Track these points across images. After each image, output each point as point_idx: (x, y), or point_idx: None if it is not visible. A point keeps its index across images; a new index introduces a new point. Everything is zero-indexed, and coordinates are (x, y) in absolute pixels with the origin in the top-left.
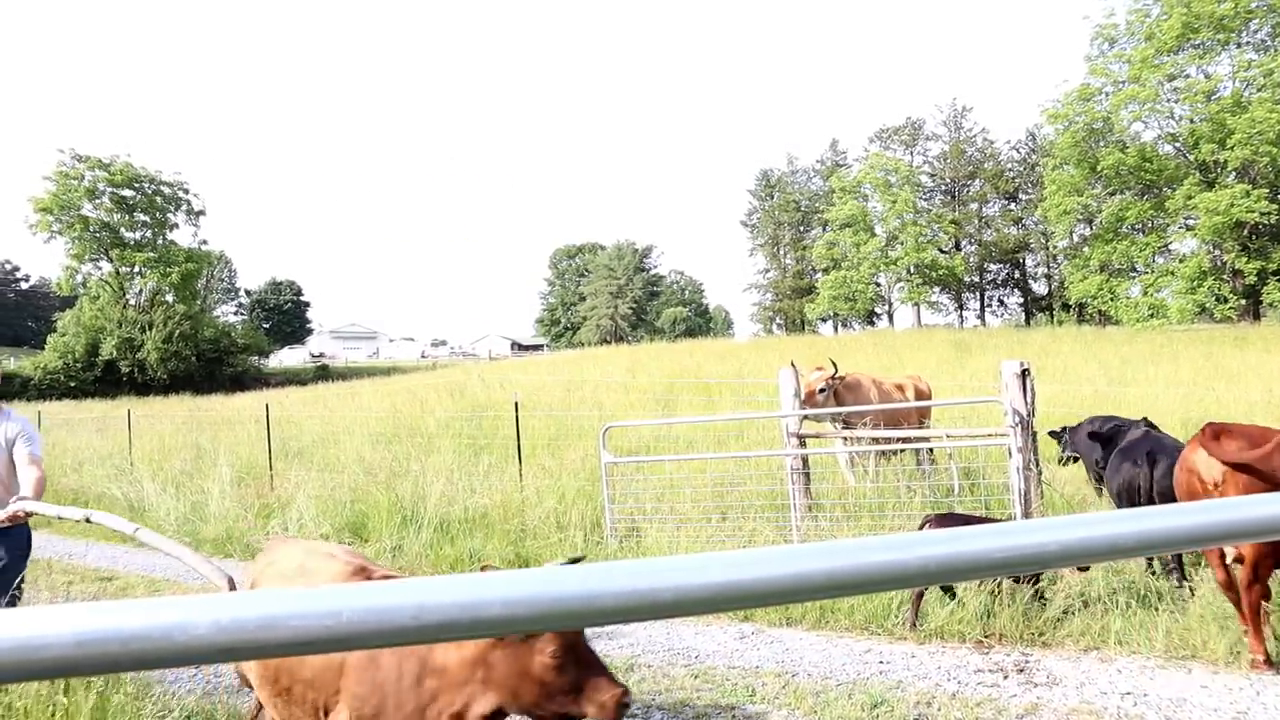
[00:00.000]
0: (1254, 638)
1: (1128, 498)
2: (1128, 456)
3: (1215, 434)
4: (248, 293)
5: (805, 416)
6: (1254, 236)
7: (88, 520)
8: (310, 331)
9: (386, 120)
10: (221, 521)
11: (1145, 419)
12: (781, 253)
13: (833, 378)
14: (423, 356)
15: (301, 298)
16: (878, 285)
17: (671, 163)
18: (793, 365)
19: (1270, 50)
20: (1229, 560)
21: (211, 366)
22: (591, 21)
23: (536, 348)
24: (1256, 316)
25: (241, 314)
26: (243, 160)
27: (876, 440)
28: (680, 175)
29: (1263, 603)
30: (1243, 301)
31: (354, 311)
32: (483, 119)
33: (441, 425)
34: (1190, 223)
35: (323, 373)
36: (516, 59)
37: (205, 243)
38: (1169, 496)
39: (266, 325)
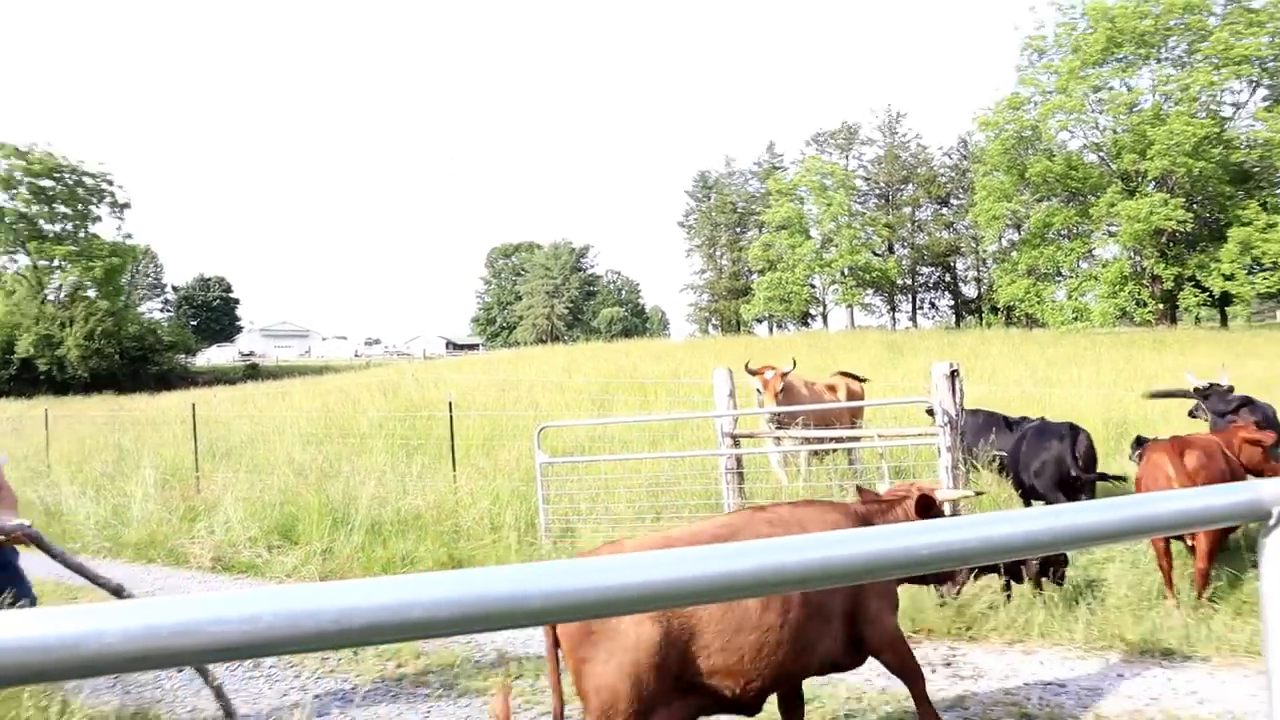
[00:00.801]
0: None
1: (1054, 469)
2: (1051, 435)
3: (1181, 449)
4: (174, 289)
5: (776, 415)
6: (1171, 244)
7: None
8: (240, 329)
9: (318, 115)
10: (144, 525)
11: (1042, 419)
12: (718, 254)
13: (784, 374)
14: (356, 355)
15: (231, 294)
16: (812, 287)
17: (609, 163)
18: (747, 369)
19: (1187, 66)
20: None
21: (136, 365)
22: (528, 20)
23: (472, 347)
24: (1173, 320)
25: (168, 311)
26: (170, 153)
27: (809, 440)
28: (618, 175)
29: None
30: (1160, 306)
31: (285, 309)
32: (418, 115)
33: (374, 425)
34: (1112, 229)
35: (252, 371)
36: (451, 56)
37: (130, 236)
38: (1091, 464)
39: (194, 322)
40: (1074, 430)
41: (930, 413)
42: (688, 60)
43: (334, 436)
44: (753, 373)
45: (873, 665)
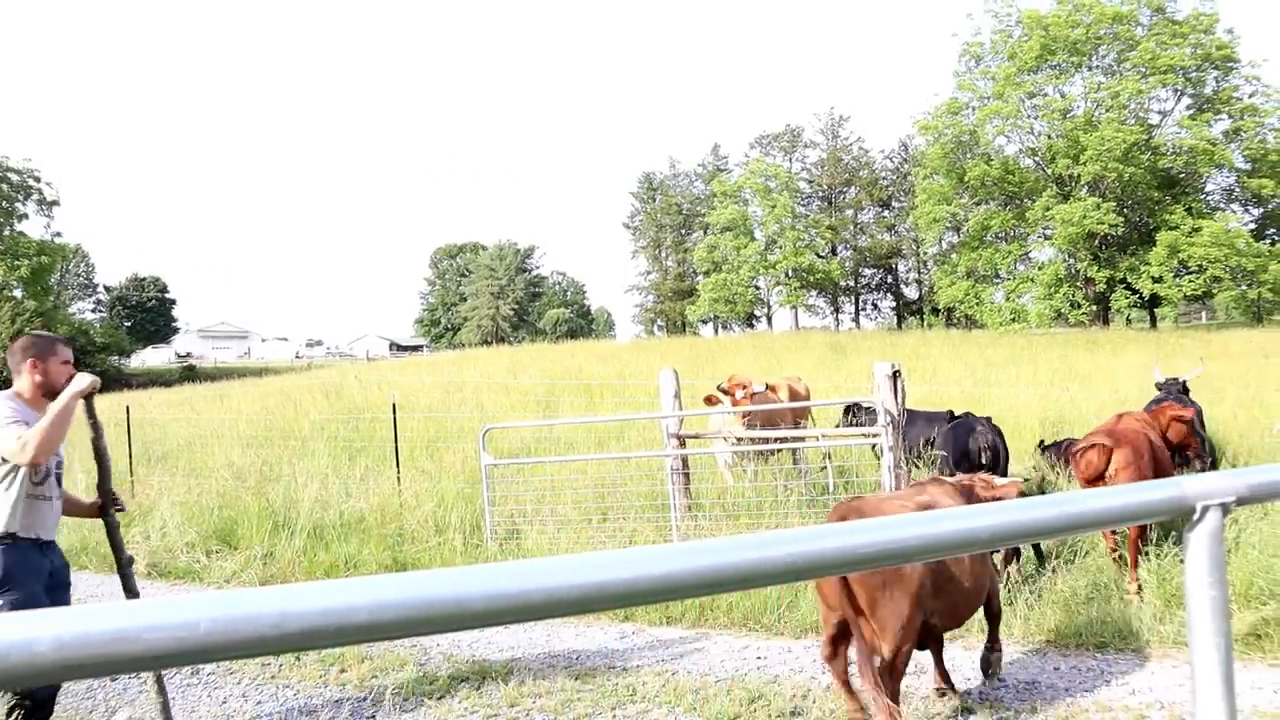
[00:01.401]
0: (1132, 572)
1: (966, 459)
2: (962, 428)
3: (1109, 438)
4: (107, 289)
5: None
6: (1103, 247)
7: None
8: (176, 330)
9: (258, 114)
10: (75, 531)
11: (951, 411)
12: (663, 255)
13: (754, 394)
14: (297, 357)
15: (167, 295)
16: (757, 288)
17: (555, 164)
18: (720, 389)
19: (1116, 75)
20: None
21: None
22: (472, 19)
23: (416, 348)
24: (1106, 322)
25: (100, 312)
26: (102, 149)
27: (755, 440)
28: (563, 176)
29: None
30: (1094, 307)
31: (224, 310)
32: (362, 114)
33: (316, 427)
34: (1048, 233)
35: (189, 373)
36: (395, 54)
37: (59, 235)
38: (997, 452)
39: (128, 324)
40: (983, 427)
41: (847, 412)
42: (632, 61)
43: (274, 439)
44: (725, 392)
45: (818, 662)
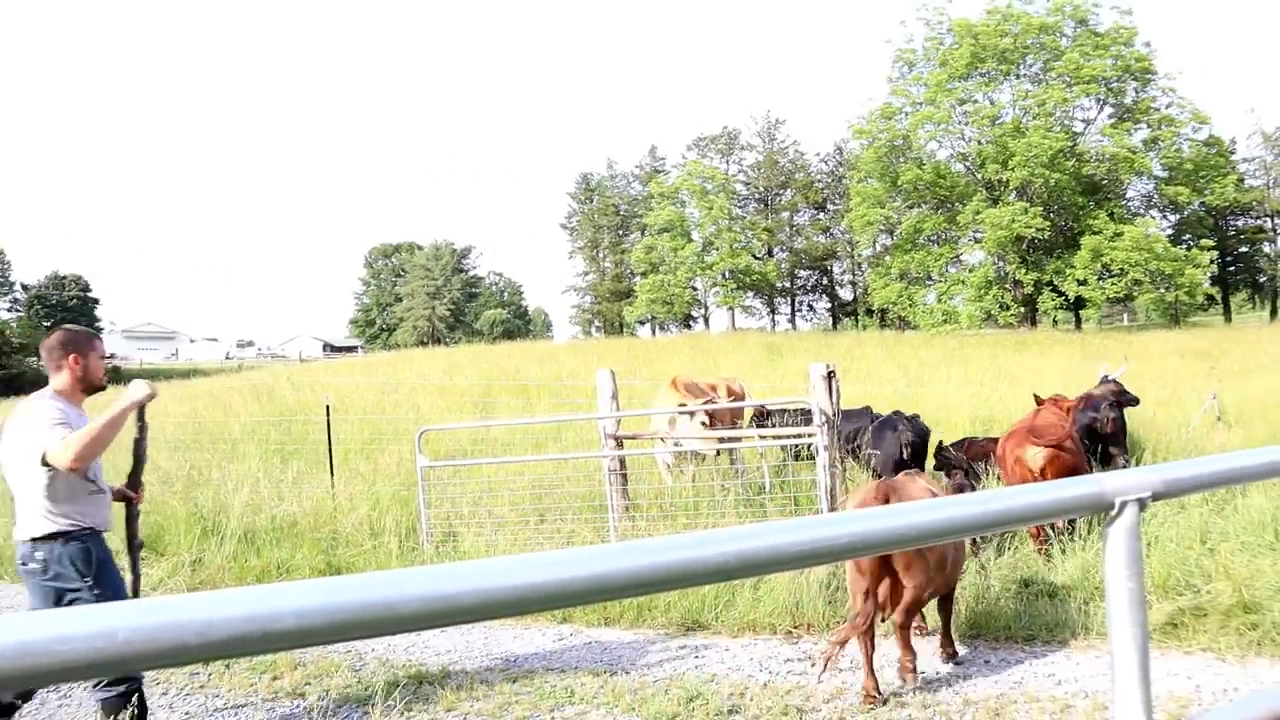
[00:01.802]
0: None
1: (897, 452)
2: (887, 426)
3: (1033, 434)
4: (25, 287)
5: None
6: (1031, 250)
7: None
8: (100, 331)
9: (185, 107)
10: None
11: (869, 407)
12: (600, 256)
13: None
14: (228, 358)
15: (89, 294)
16: (694, 289)
17: (492, 163)
18: (678, 387)
19: (1043, 83)
20: None
21: None
22: (410, 18)
23: (350, 349)
24: (1033, 323)
25: (17, 311)
26: (21, 143)
27: (704, 441)
28: (500, 176)
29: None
30: (1022, 309)
31: (151, 310)
32: (295, 111)
33: (247, 430)
34: (978, 236)
35: (114, 375)
36: (328, 51)
37: None
38: (919, 448)
39: (48, 324)
40: (904, 422)
41: (763, 414)
42: (571, 61)
43: (203, 443)
44: (707, 403)
45: (754, 659)
